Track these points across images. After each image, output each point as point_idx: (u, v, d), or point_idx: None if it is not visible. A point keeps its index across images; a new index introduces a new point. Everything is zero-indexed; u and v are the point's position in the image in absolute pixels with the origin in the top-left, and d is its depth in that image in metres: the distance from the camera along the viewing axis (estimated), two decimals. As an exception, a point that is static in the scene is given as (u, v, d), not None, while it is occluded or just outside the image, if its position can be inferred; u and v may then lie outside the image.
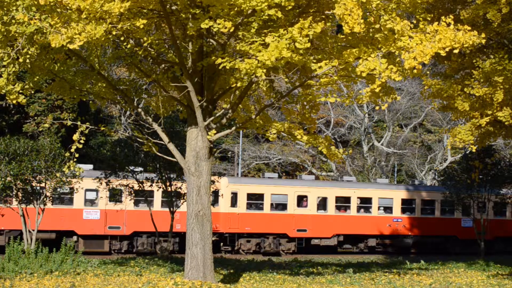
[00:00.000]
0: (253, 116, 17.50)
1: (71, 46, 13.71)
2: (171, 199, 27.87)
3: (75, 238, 30.36)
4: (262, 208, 34.65)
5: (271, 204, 34.93)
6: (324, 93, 18.09)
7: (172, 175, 27.69)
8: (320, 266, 25.17)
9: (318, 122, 49.28)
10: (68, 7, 13.58)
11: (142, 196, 29.82)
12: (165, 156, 18.70)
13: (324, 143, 17.54)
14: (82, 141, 16.92)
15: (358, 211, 36.50)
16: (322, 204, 35.93)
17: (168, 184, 27.71)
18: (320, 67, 15.10)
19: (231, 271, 21.49)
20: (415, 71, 14.52)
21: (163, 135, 17.49)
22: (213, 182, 25.00)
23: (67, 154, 18.02)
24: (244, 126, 18.53)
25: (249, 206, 34.43)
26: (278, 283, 18.61)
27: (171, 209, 27.83)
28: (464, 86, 20.81)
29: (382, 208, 37.01)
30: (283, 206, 35.16)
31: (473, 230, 34.89)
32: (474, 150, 21.79)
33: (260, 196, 34.60)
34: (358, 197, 36.63)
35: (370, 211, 36.70)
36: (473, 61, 20.84)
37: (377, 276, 21.09)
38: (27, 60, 14.96)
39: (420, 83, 42.32)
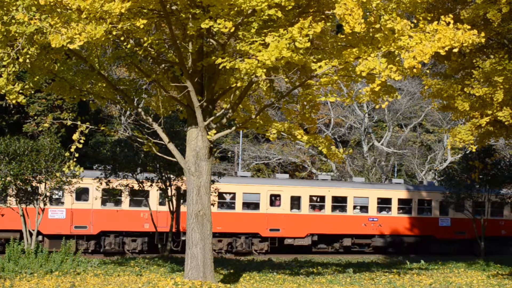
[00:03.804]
0: (253, 116, 17.50)
1: (71, 46, 13.70)
2: (171, 199, 27.89)
3: (40, 237, 29.57)
4: (233, 207, 34.01)
5: (243, 203, 34.29)
6: (324, 92, 18.09)
7: (172, 176, 27.71)
8: (320, 266, 25.17)
9: (318, 122, 49.28)
10: (68, 7, 13.58)
11: (111, 196, 29.97)
12: (165, 156, 18.70)
13: (324, 143, 17.54)
14: (82, 141, 16.92)
15: (333, 210, 35.89)
16: (296, 203, 35.32)
17: (168, 184, 27.74)
18: (320, 67, 15.10)
19: (231, 271, 21.50)
20: (414, 70, 14.51)
21: (163, 135, 17.49)
22: (213, 182, 25.02)
23: (67, 154, 18.02)
24: (244, 126, 18.52)
25: (220, 205, 33.72)
26: (278, 283, 18.61)
27: (171, 209, 27.86)
28: (464, 86, 20.80)
29: (357, 207, 36.50)
30: (255, 205, 34.55)
31: (451, 229, 34.84)
32: (474, 150, 21.79)
33: (231, 195, 33.89)
34: (332, 196, 36.01)
35: (345, 210, 36.15)
36: (473, 61, 20.84)
37: (377, 276, 21.10)
38: (27, 60, 14.95)
39: (420, 83, 42.32)
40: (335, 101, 16.25)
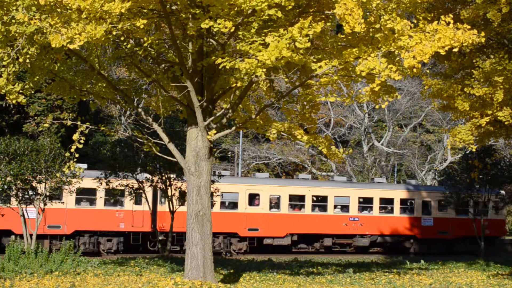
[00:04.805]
0: (253, 116, 17.50)
1: (71, 46, 13.71)
2: (171, 198, 27.87)
3: (13, 237, 29.00)
4: (211, 207, 33.52)
5: (221, 203, 33.83)
6: (324, 92, 18.09)
7: (172, 175, 27.70)
8: (320, 266, 25.17)
9: (318, 122, 49.26)
10: (68, 7, 13.58)
11: (86, 195, 29.95)
12: (165, 156, 18.70)
13: (324, 143, 17.54)
14: (82, 141, 16.93)
15: (313, 209, 35.53)
16: (275, 202, 35.01)
17: (168, 184, 27.73)
18: (320, 67, 15.10)
19: (231, 271, 21.50)
20: (414, 70, 14.51)
21: (163, 135, 17.49)
22: (213, 182, 25.00)
23: (67, 154, 18.03)
24: (244, 126, 18.52)
25: None
26: (278, 283, 18.61)
27: (171, 209, 27.84)
28: (464, 86, 20.81)
29: (338, 206, 36.17)
30: (233, 205, 34.19)
31: (433, 229, 34.66)
32: (474, 150, 21.80)
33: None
34: (313, 196, 35.68)
35: (325, 210, 35.78)
36: (473, 61, 20.84)
37: (377, 276, 21.10)
38: (27, 60, 14.96)
39: (420, 83, 42.34)
40: (335, 101, 16.24)
